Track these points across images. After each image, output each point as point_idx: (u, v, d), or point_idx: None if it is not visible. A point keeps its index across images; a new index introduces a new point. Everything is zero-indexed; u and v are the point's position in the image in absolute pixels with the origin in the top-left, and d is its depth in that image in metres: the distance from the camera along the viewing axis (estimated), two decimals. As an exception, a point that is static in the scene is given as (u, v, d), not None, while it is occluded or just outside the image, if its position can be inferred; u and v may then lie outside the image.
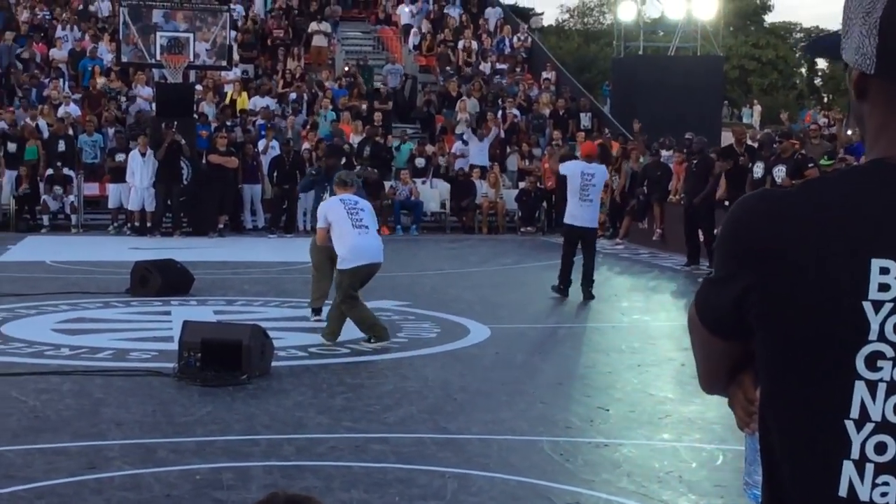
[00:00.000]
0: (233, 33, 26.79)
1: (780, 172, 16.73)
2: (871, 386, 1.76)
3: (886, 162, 1.82)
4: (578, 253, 14.27)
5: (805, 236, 1.78)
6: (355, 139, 25.01)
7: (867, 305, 1.74)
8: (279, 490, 2.03)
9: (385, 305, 13.31)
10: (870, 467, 1.77)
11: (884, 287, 1.74)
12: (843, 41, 1.88)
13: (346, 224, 10.53)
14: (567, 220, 14.30)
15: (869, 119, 1.88)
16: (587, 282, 14.17)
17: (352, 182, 11.10)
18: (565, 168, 14.55)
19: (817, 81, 62.57)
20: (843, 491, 1.78)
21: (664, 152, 22.95)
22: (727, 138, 31.60)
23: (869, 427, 1.77)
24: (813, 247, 1.77)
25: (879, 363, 1.75)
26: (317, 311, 12.00)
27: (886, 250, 1.74)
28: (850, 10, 1.85)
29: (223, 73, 26.56)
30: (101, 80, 26.41)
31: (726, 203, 17.55)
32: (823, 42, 2.09)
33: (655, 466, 6.87)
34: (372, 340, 10.63)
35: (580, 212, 14.08)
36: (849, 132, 24.37)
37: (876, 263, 1.74)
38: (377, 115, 26.05)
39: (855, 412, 1.77)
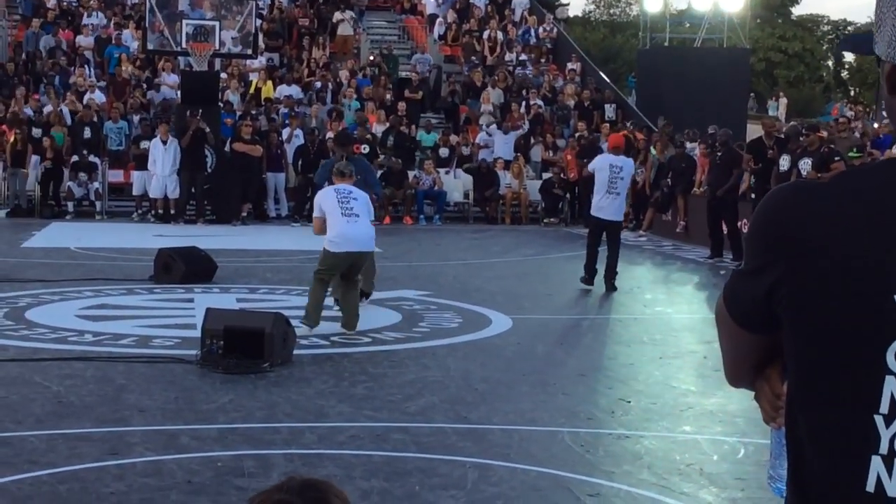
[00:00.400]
0: (258, 22, 26.81)
1: (805, 165, 16.64)
2: (902, 381, 1.74)
3: (918, 155, 1.80)
4: (602, 244, 14.24)
5: (836, 229, 1.76)
6: (379, 129, 25.01)
7: (897, 300, 1.72)
8: (296, 475, 2.02)
9: (407, 295, 13.32)
10: (899, 463, 1.74)
11: (914, 281, 1.72)
12: (875, 35, 1.86)
13: (337, 212, 10.66)
14: (594, 212, 14.27)
15: None
16: (611, 273, 14.16)
17: (349, 173, 11.14)
18: (594, 164, 14.51)
19: (844, 74, 62.20)
20: (870, 486, 1.76)
21: (689, 144, 22.85)
22: (753, 131, 31.46)
23: (899, 422, 1.74)
24: (844, 240, 1.75)
25: (909, 358, 1.73)
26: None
27: (917, 244, 1.72)
28: (882, 4, 1.83)
29: (248, 61, 26.58)
30: (126, 68, 26.48)
31: (752, 196, 17.45)
32: (854, 38, 2.08)
33: (676, 459, 6.85)
34: (302, 321, 10.58)
35: (607, 204, 14.06)
36: (875, 125, 24.21)
37: None
38: (401, 105, 26.05)
39: (884, 407, 1.75)
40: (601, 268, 14.15)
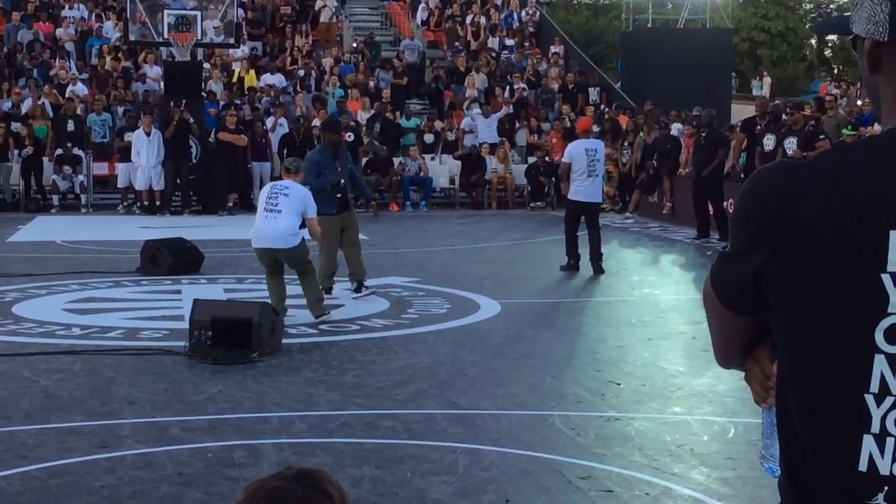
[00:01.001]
0: (240, 11, 26.70)
1: (790, 144, 16.67)
2: (891, 359, 1.73)
3: (904, 132, 1.79)
4: (582, 227, 14.25)
5: (822, 209, 1.75)
6: (363, 116, 24.96)
7: (886, 278, 1.72)
8: (292, 465, 2.03)
9: (394, 281, 13.32)
10: (890, 441, 1.75)
11: (903, 259, 1.71)
12: (852, 14, 1.85)
13: (261, 207, 10.76)
14: (572, 196, 14.26)
15: (884, 89, 1.85)
16: (596, 256, 14.20)
17: (294, 169, 11.05)
18: (569, 154, 14.42)
19: (827, 52, 62.22)
20: (863, 465, 1.76)
21: (673, 126, 22.86)
22: (737, 111, 31.52)
23: (889, 401, 1.74)
24: (830, 219, 1.74)
25: (899, 336, 1.73)
26: (327, 290, 12.00)
27: (905, 221, 1.71)
28: None
29: (231, 50, 26.49)
30: (107, 60, 26.35)
31: (743, 176, 17.50)
32: (829, 22, 2.07)
33: (667, 440, 6.86)
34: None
35: (585, 187, 14.10)
36: (859, 102, 24.26)
37: (895, 235, 1.71)
38: (385, 92, 25.99)
39: (874, 386, 1.75)
40: (584, 251, 14.17)
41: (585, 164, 14.04)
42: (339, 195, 11.94)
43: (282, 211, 10.50)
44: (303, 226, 10.82)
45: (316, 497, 1.92)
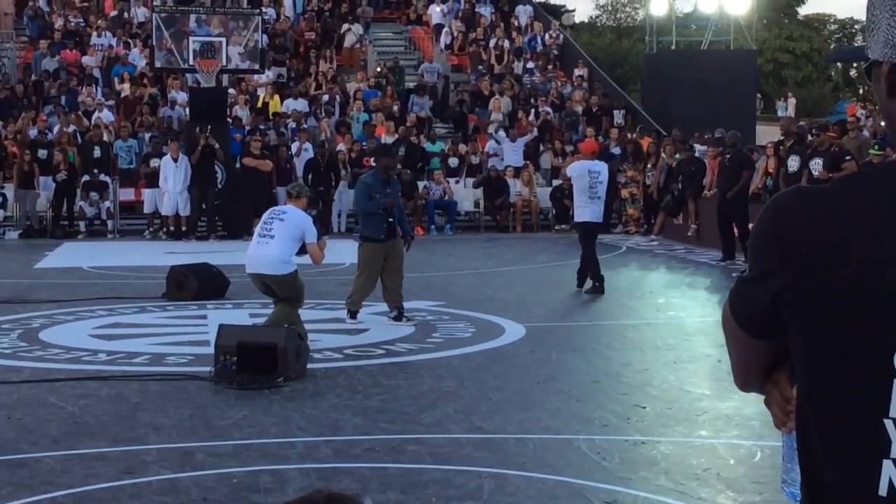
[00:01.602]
0: (265, 37, 26.88)
1: (816, 165, 16.60)
2: (912, 384, 1.73)
3: (922, 155, 1.79)
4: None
5: (840, 234, 1.74)
6: (388, 140, 25.05)
7: (904, 303, 1.71)
8: (322, 487, 2.03)
9: (419, 305, 13.32)
10: (911, 466, 1.73)
11: (920, 283, 1.71)
12: (868, 39, 1.85)
13: (256, 232, 10.67)
14: (579, 218, 14.48)
15: None
16: (583, 273, 14.48)
17: (295, 194, 10.89)
18: (572, 170, 14.74)
19: (853, 73, 62.08)
20: (883, 490, 1.75)
21: (698, 147, 22.83)
22: (761, 132, 31.44)
23: (909, 426, 1.73)
24: (848, 244, 1.74)
25: (917, 360, 1.72)
26: (353, 315, 12.02)
27: (923, 246, 1.71)
28: (876, 6, 1.82)
29: (256, 76, 26.65)
30: (130, 87, 26.55)
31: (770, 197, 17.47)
32: (845, 51, 2.07)
33: (693, 464, 6.83)
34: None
35: (590, 208, 14.30)
36: (882, 123, 24.15)
37: None
38: (411, 117, 26.10)
39: (894, 411, 1.74)
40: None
41: (587, 184, 14.24)
42: (390, 219, 12.00)
43: (275, 236, 10.34)
44: (304, 251, 10.71)
45: None
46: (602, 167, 14.66)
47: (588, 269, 14.45)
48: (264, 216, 10.76)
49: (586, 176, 14.26)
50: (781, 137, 18.60)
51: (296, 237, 10.42)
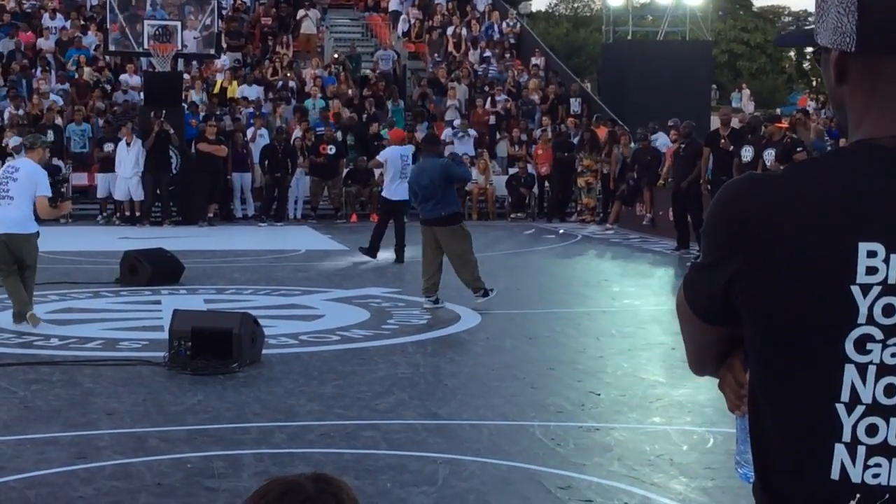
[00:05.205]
0: (220, 21, 26.68)
1: (769, 156, 16.74)
2: (861, 369, 1.75)
3: (872, 143, 1.81)
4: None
5: (791, 220, 1.76)
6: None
7: (855, 289, 1.73)
8: (312, 473, 2.05)
9: (375, 292, 13.32)
10: (861, 450, 1.76)
11: (871, 270, 1.73)
12: (817, 25, 1.87)
13: None
14: (387, 195, 16.18)
15: (851, 101, 1.86)
16: (401, 247, 16.13)
17: (30, 144, 10.58)
18: (384, 156, 16.37)
19: (806, 65, 62.57)
20: (835, 474, 1.78)
21: (660, 135, 22.93)
22: (716, 122, 31.65)
23: (860, 410, 1.76)
24: (799, 231, 1.75)
25: (868, 346, 1.74)
26: (485, 292, 12.37)
27: (873, 233, 1.73)
28: None
29: (211, 61, 26.45)
30: (87, 70, 26.29)
31: (709, 188, 17.62)
32: (791, 35, 2.09)
33: (646, 450, 6.88)
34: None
35: (399, 188, 15.57)
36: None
37: (863, 247, 1.73)
38: (368, 103, 26.01)
39: (845, 395, 1.76)
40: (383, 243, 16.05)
41: (400, 167, 15.79)
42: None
43: (13, 197, 10.15)
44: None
45: (326, 499, 1.94)
46: (408, 151, 16.59)
47: (400, 242, 16.18)
48: (0, 174, 10.41)
49: (398, 160, 15.89)
50: (719, 127, 18.69)
51: (31, 194, 10.28)
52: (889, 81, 1.81)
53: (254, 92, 26.15)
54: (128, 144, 21.88)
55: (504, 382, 8.74)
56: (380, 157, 16.61)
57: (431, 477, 6.25)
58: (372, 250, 16.31)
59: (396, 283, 14.22)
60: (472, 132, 25.39)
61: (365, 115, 25.74)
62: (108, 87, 26.09)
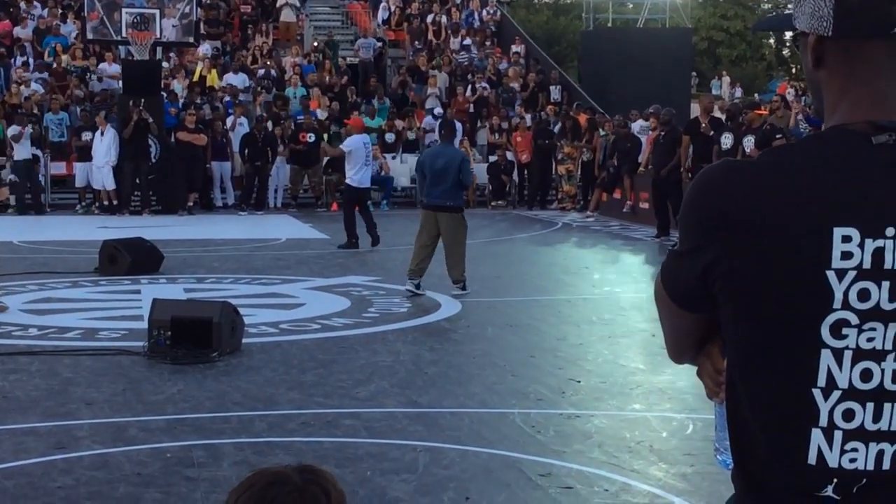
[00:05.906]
0: (199, 10, 26.56)
1: (748, 143, 16.79)
2: (837, 354, 1.75)
3: (847, 128, 1.81)
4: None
5: (767, 207, 1.76)
6: (322, 115, 24.91)
7: (830, 274, 1.73)
8: (297, 464, 2.05)
9: (355, 280, 13.30)
10: (838, 434, 1.77)
11: (846, 255, 1.73)
12: (795, 10, 1.87)
13: None
14: (353, 183, 16.16)
15: (827, 86, 1.86)
16: (372, 226, 16.34)
17: None
18: (348, 145, 16.28)
19: (785, 52, 62.68)
20: (812, 459, 1.78)
21: (639, 122, 22.95)
22: (696, 109, 31.69)
23: (836, 395, 1.76)
24: (775, 217, 1.75)
25: (844, 331, 1.75)
26: (463, 285, 12.39)
27: (848, 218, 1.73)
28: None
29: (191, 49, 26.33)
30: (66, 58, 26.14)
31: (690, 175, 17.65)
32: (769, 20, 2.09)
33: (626, 436, 6.89)
34: None
35: (363, 175, 16.14)
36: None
37: (838, 232, 1.73)
38: (350, 91, 25.96)
39: (822, 380, 1.77)
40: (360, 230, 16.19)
41: (364, 154, 15.98)
42: None
43: None
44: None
45: (313, 490, 1.94)
46: (370, 139, 17.02)
47: (351, 226, 16.34)
48: None
49: (362, 148, 16.00)
50: (699, 115, 18.72)
51: None
52: (865, 66, 1.81)
53: (240, 80, 26.04)
54: (101, 133, 21.77)
55: (484, 370, 8.75)
56: (343, 147, 16.67)
57: (412, 465, 6.24)
58: (351, 240, 16.41)
59: (377, 271, 14.21)
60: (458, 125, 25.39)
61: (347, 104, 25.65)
62: (88, 76, 25.90)
